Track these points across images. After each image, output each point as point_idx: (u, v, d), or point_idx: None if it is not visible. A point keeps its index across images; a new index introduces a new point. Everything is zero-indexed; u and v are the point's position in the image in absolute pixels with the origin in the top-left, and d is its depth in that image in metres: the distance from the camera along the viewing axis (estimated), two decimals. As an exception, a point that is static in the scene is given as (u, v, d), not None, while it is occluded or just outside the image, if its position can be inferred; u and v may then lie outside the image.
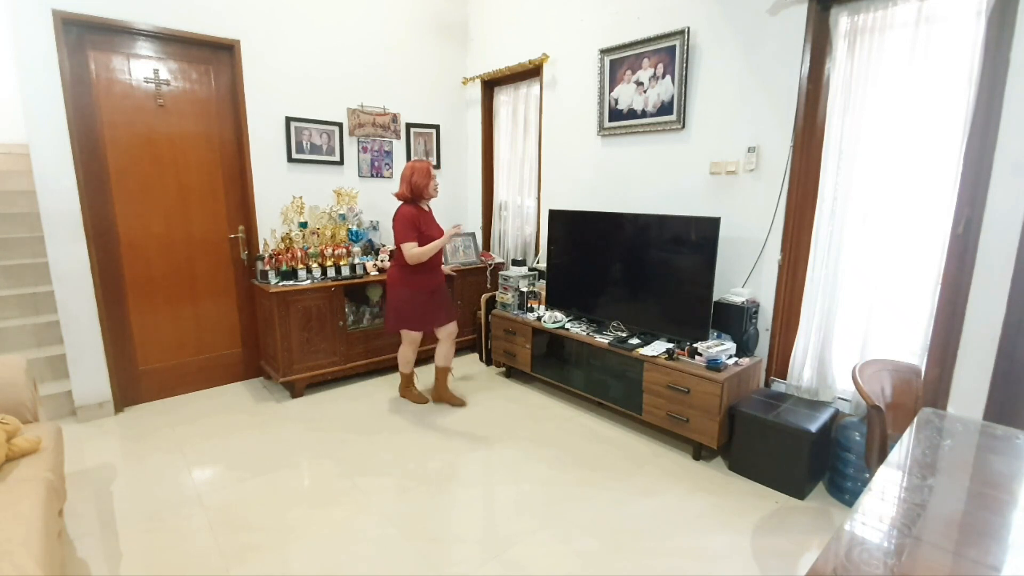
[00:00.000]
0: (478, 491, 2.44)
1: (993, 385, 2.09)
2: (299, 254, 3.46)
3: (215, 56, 3.36)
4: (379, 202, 4.15)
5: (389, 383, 3.72)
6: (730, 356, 2.70)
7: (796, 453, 2.34)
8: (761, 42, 2.67)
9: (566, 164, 3.81)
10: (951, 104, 2.15)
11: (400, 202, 3.08)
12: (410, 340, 3.26)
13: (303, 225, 3.59)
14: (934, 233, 2.25)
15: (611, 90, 3.37)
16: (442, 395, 3.36)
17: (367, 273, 3.69)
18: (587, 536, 2.11)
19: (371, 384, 3.70)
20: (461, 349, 4.28)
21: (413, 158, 3.38)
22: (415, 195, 3.03)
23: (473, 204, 4.71)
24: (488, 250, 4.63)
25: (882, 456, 1.57)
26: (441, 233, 3.09)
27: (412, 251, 2.95)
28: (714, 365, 2.59)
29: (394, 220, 3.03)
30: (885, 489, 1.28)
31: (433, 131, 4.43)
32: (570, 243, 3.51)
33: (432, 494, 2.39)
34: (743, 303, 2.74)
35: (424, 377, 3.65)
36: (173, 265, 3.36)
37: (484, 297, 4.07)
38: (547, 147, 3.94)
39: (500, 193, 4.57)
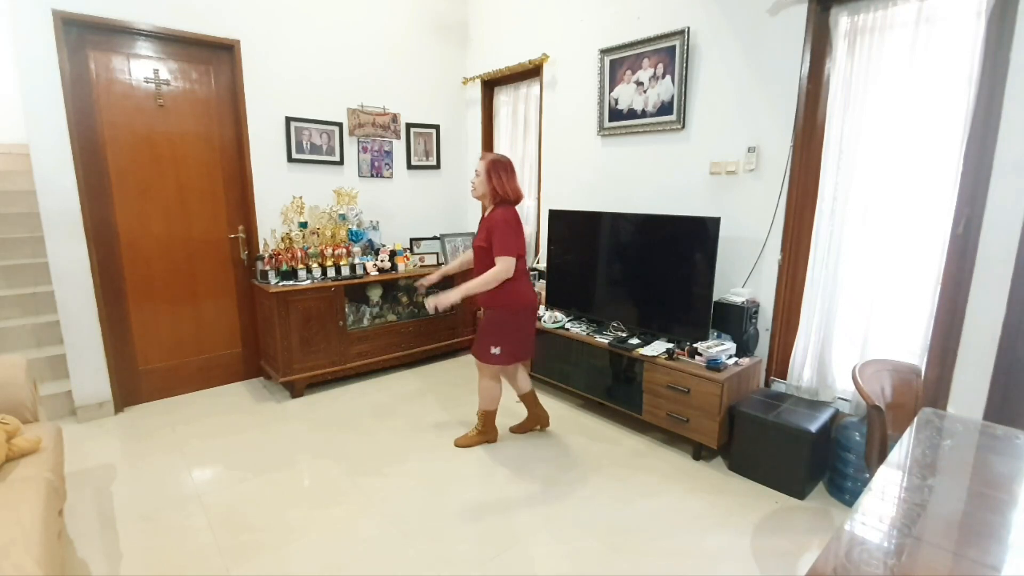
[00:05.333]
0: (478, 491, 2.43)
1: (993, 385, 2.09)
2: (299, 254, 3.45)
3: (215, 56, 3.36)
4: (379, 202, 4.16)
5: (389, 383, 3.72)
6: (730, 356, 2.70)
7: (796, 453, 2.34)
8: (761, 42, 2.67)
9: (566, 164, 3.81)
10: (951, 104, 2.15)
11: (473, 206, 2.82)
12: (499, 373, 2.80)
13: (303, 225, 3.59)
14: (934, 233, 2.25)
15: (611, 90, 3.37)
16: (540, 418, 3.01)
17: (367, 273, 3.69)
18: (587, 536, 2.11)
19: (371, 384, 3.70)
20: (461, 349, 4.28)
21: (490, 153, 2.64)
22: (510, 196, 2.56)
23: (473, 204, 4.71)
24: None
25: (882, 456, 1.57)
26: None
27: (510, 269, 2.48)
28: (714, 365, 2.59)
29: (500, 224, 2.48)
30: (885, 489, 1.28)
31: (433, 131, 4.43)
32: (570, 243, 3.51)
33: (432, 494, 2.39)
34: (743, 303, 2.74)
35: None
36: (173, 265, 3.36)
37: (484, 297, 4.07)
38: (547, 147, 3.94)
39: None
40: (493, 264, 2.49)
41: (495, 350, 2.59)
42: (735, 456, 2.57)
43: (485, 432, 2.85)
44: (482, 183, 2.56)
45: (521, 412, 3.04)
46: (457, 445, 2.82)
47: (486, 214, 2.62)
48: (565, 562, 1.97)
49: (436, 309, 2.56)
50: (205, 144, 3.39)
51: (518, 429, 2.98)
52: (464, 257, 2.95)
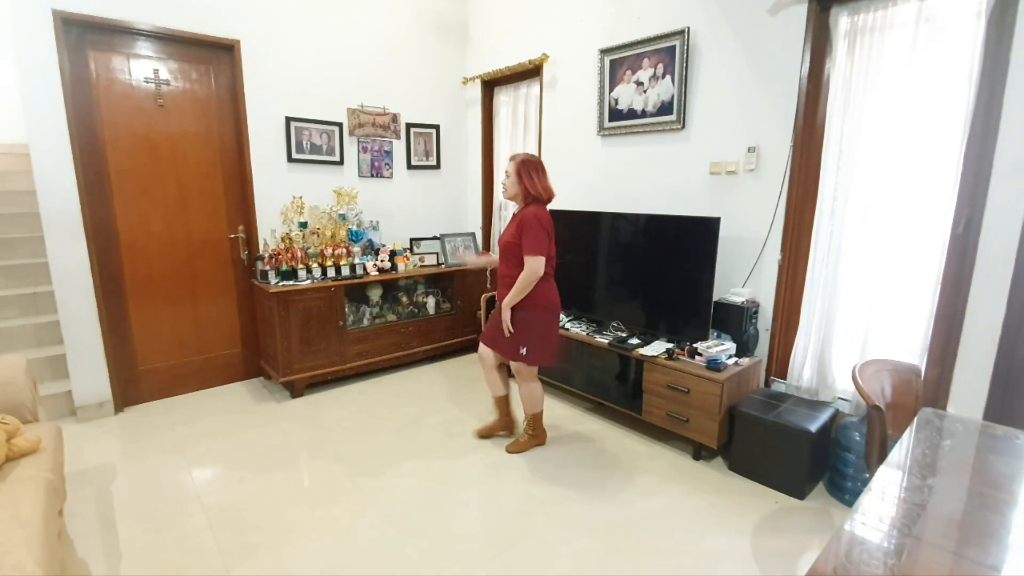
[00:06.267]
0: (478, 491, 2.43)
1: (993, 385, 2.09)
2: (299, 254, 3.45)
3: (215, 56, 3.36)
4: (379, 202, 4.16)
5: (389, 383, 3.72)
6: (730, 356, 2.70)
7: (796, 453, 2.34)
8: (761, 42, 2.67)
9: (566, 164, 3.80)
10: (951, 104, 2.15)
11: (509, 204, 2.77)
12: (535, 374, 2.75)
13: (303, 225, 3.59)
14: (934, 233, 2.25)
15: (611, 90, 3.37)
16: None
17: (367, 273, 3.69)
18: (587, 536, 2.11)
19: (371, 384, 3.70)
20: (461, 349, 4.28)
21: (520, 152, 2.66)
22: (541, 195, 2.52)
23: (473, 204, 4.71)
24: (488, 250, 4.63)
25: (882, 456, 1.57)
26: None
27: (540, 268, 2.44)
28: (714, 365, 2.59)
29: (531, 224, 2.43)
30: (885, 489, 1.28)
31: (433, 131, 4.43)
32: (570, 243, 3.50)
33: (432, 494, 2.39)
34: (743, 303, 2.74)
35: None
36: (173, 265, 3.36)
37: (484, 297, 4.07)
38: (547, 147, 3.94)
39: (500, 193, 4.57)
40: (519, 259, 2.46)
41: (522, 350, 2.56)
42: (735, 456, 2.57)
43: (536, 436, 2.80)
44: (513, 184, 2.53)
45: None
46: (509, 452, 2.74)
47: (518, 212, 2.57)
48: (565, 562, 1.97)
49: (510, 331, 2.55)
50: (205, 144, 3.39)
51: (485, 431, 2.92)
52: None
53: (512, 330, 2.54)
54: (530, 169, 2.50)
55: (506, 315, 2.53)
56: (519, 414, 2.94)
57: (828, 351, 2.59)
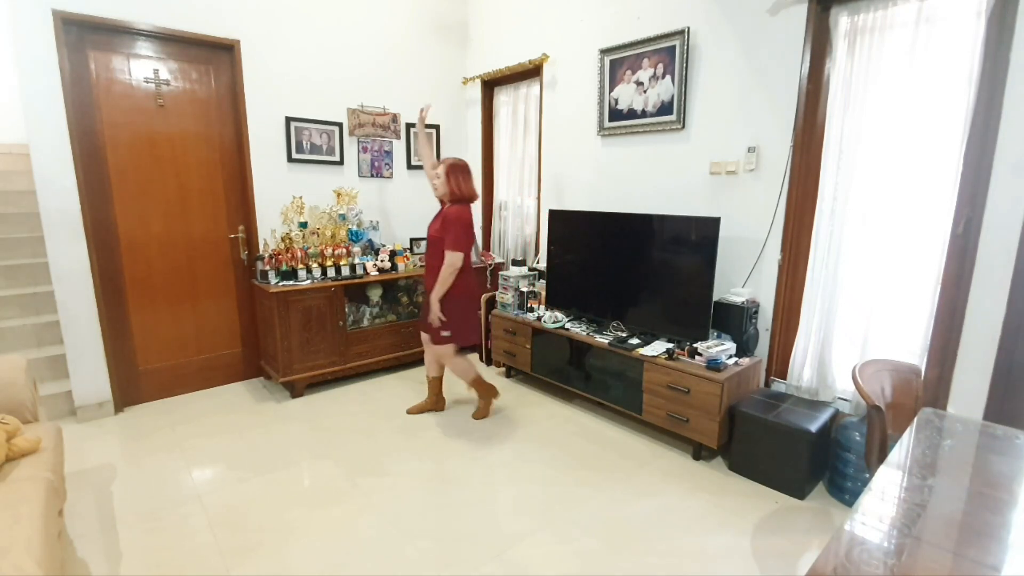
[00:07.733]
0: (478, 491, 2.43)
1: (993, 385, 2.09)
2: (299, 254, 3.45)
3: (215, 56, 3.36)
4: (379, 202, 4.16)
5: (389, 383, 3.72)
6: (730, 356, 2.70)
7: (796, 453, 2.34)
8: (761, 42, 2.67)
9: (566, 164, 3.81)
10: (951, 104, 2.15)
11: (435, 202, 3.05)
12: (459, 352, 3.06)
13: (303, 225, 3.59)
14: (934, 233, 2.25)
15: (611, 90, 3.37)
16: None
17: (367, 273, 3.69)
18: (587, 536, 2.11)
19: (371, 384, 3.70)
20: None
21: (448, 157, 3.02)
22: (466, 196, 2.88)
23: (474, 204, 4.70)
24: (488, 250, 4.63)
25: (882, 456, 1.57)
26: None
27: (458, 263, 2.79)
28: (714, 365, 2.59)
29: (453, 222, 2.78)
30: (885, 489, 1.28)
31: (433, 131, 4.43)
32: (570, 243, 3.51)
33: (432, 494, 2.39)
34: (743, 303, 2.74)
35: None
36: (173, 265, 3.36)
37: (484, 297, 4.07)
38: (547, 147, 3.94)
39: (500, 193, 4.58)
40: (443, 251, 2.79)
41: (445, 332, 2.90)
42: (735, 456, 2.57)
43: (486, 393, 3.15)
44: (443, 184, 2.85)
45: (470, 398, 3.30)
46: (475, 418, 3.12)
47: (443, 209, 2.91)
48: (565, 562, 1.97)
49: (441, 320, 2.86)
50: (205, 144, 3.39)
51: (415, 410, 3.22)
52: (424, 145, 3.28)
53: (443, 319, 2.84)
54: (457, 173, 2.85)
55: (435, 308, 2.83)
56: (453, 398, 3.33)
57: (828, 351, 2.59)
